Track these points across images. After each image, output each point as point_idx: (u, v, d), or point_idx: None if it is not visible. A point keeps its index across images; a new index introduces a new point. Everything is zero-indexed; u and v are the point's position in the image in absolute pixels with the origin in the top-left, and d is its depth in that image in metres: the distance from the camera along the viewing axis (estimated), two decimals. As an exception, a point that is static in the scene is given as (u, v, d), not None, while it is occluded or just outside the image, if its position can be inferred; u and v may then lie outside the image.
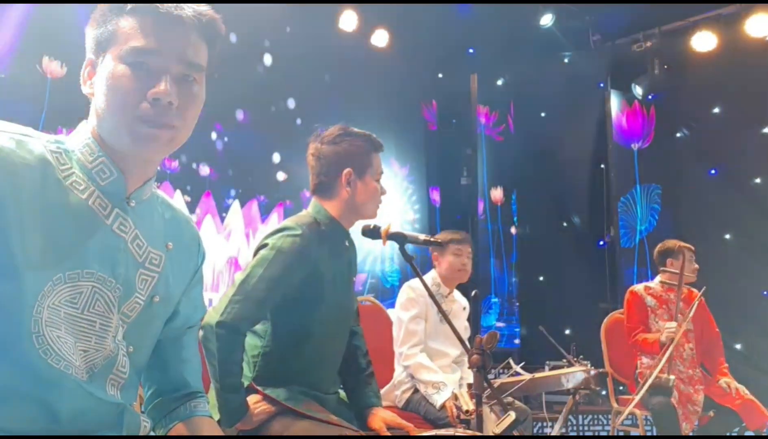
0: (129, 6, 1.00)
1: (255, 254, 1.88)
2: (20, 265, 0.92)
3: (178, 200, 4.41)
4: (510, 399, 2.71)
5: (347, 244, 2.03)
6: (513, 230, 6.68)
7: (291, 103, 5.34)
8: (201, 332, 1.70)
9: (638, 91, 6.17)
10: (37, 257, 0.93)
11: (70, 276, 0.96)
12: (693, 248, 3.63)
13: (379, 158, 2.01)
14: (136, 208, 1.06)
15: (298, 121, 5.32)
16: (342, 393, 2.09)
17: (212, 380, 1.75)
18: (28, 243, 0.92)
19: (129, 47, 0.98)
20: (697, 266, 3.61)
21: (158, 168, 1.13)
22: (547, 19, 5.96)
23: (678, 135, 6.34)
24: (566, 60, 6.68)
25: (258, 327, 1.89)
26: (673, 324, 3.23)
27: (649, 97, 6.21)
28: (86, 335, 0.98)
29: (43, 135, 1.01)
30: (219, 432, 1.26)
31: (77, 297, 0.97)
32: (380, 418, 1.98)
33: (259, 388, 1.85)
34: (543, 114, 6.76)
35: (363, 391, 2.06)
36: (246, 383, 1.84)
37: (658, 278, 3.67)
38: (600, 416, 5.05)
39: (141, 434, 1.06)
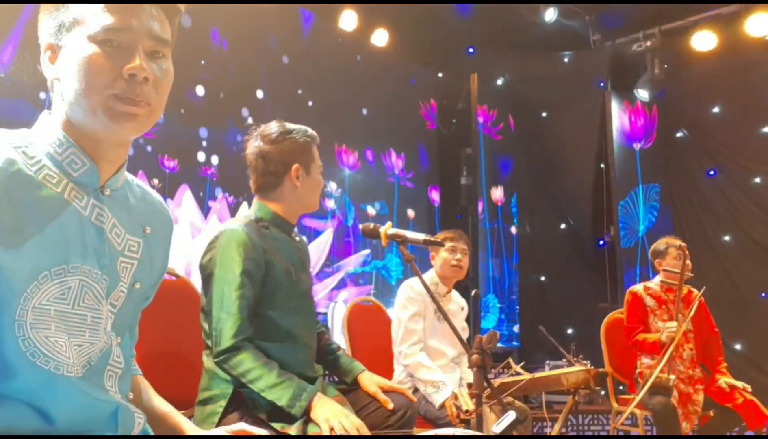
0: None
1: (204, 267, 1.92)
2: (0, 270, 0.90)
3: (188, 201, 4.41)
4: (510, 399, 2.71)
5: (296, 238, 2.10)
6: (513, 230, 6.68)
7: (292, 105, 5.34)
8: (225, 364, 1.78)
9: (642, 94, 6.17)
10: (18, 259, 0.91)
11: (56, 272, 0.95)
12: (683, 245, 3.59)
13: (317, 151, 2.09)
14: (111, 197, 1.05)
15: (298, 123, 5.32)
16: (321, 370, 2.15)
17: (259, 392, 1.77)
18: (5, 246, 0.91)
19: (98, 26, 0.96)
20: (689, 262, 3.57)
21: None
22: (550, 15, 5.95)
23: (678, 135, 6.34)
24: (566, 60, 6.69)
25: None
26: (674, 324, 3.23)
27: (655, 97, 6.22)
28: (79, 329, 0.97)
29: (5, 132, 0.98)
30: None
31: (66, 293, 0.96)
32: (374, 383, 2.10)
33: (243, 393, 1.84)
34: (543, 114, 6.77)
35: (344, 364, 2.19)
36: (230, 390, 1.84)
37: (657, 278, 3.67)
38: (600, 416, 5.05)
39: (135, 430, 1.05)
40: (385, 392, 2.08)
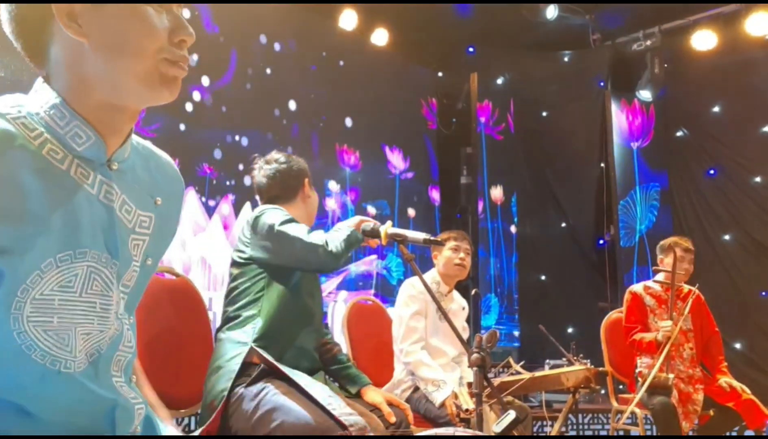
0: None
1: (251, 232, 2.12)
2: None
3: (192, 200, 4.40)
4: (510, 398, 2.71)
5: None
6: (513, 229, 6.68)
7: (292, 105, 5.34)
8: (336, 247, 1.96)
9: (643, 94, 6.18)
10: (20, 247, 0.85)
11: (62, 259, 0.88)
12: (687, 246, 3.59)
13: None
14: (119, 170, 0.97)
15: (298, 122, 5.33)
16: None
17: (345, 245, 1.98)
18: (6, 233, 0.83)
19: None
20: (688, 266, 3.56)
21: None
22: (551, 12, 5.95)
23: (678, 134, 6.35)
24: (566, 59, 6.69)
25: (254, 297, 2.08)
26: (669, 323, 3.23)
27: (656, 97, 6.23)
28: (87, 318, 0.92)
29: None
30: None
31: (73, 280, 0.89)
32: (379, 394, 2.23)
33: (260, 350, 1.97)
34: (543, 113, 6.77)
35: (352, 374, 2.32)
36: (246, 349, 1.97)
37: (657, 277, 3.67)
38: (600, 415, 5.05)
39: (136, 422, 1.00)
40: (389, 405, 2.21)
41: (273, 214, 2.08)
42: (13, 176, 0.84)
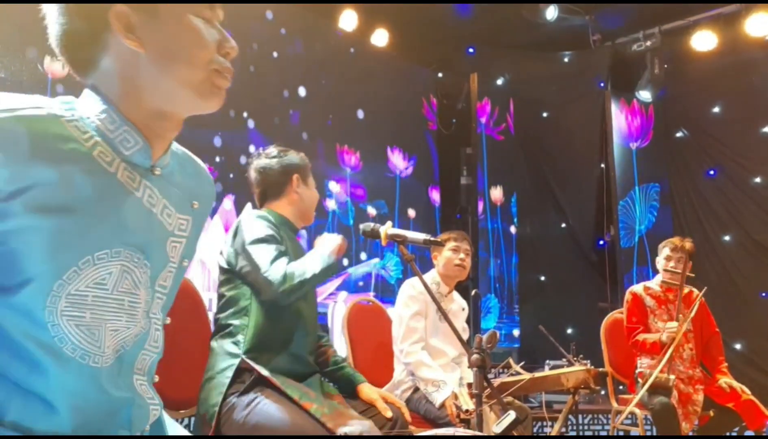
0: None
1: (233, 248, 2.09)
2: (34, 260, 0.87)
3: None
4: (510, 399, 2.71)
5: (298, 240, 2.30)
6: (513, 230, 6.68)
7: (293, 105, 5.34)
8: (282, 289, 1.93)
9: (643, 94, 6.18)
10: (63, 243, 0.89)
11: (99, 257, 0.92)
12: (676, 244, 3.56)
13: (310, 172, 2.35)
14: (161, 176, 1.03)
15: (297, 119, 5.33)
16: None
17: (313, 275, 1.95)
18: (51, 230, 0.87)
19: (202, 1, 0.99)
20: (675, 264, 3.53)
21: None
22: (551, 13, 5.95)
23: (678, 134, 6.35)
24: (566, 60, 6.69)
25: (241, 305, 2.06)
26: (674, 324, 3.23)
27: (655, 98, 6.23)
28: (117, 314, 0.96)
29: (52, 103, 0.93)
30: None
31: (107, 278, 0.93)
32: (375, 392, 2.23)
33: (251, 363, 1.96)
34: (543, 113, 6.77)
35: (347, 374, 2.30)
36: (237, 361, 1.96)
37: (657, 278, 3.67)
38: (600, 416, 5.05)
39: (150, 421, 1.04)
40: (384, 402, 2.20)
41: (250, 228, 2.05)
42: (64, 175, 0.89)
